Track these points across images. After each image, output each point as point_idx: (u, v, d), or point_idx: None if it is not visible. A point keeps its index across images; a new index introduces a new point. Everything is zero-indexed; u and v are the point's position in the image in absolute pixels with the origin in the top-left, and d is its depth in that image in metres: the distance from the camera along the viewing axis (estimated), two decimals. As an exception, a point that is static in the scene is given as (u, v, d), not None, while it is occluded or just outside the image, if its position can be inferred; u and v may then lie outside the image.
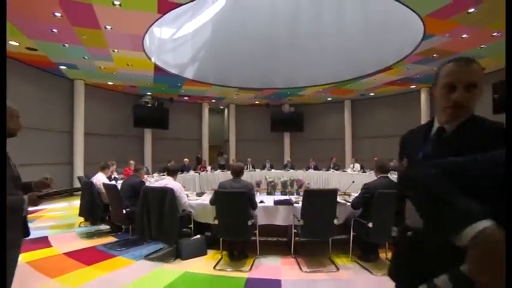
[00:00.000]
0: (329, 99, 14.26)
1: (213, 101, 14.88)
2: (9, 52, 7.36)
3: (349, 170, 10.77)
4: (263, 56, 9.19)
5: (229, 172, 10.43)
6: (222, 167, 12.64)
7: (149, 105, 13.05)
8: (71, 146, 10.13)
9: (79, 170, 9.96)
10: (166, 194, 3.72)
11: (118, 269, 3.57)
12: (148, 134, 13.47)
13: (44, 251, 4.20)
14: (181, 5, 5.34)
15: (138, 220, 3.88)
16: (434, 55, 7.80)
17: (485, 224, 0.66)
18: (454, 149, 0.99)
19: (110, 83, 10.95)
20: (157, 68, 9.01)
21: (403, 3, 5.22)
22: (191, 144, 14.81)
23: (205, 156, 14.48)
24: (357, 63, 9.45)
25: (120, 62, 8.42)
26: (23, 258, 3.80)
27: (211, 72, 10.34)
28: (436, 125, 1.14)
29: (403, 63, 8.52)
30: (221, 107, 17.31)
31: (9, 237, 1.66)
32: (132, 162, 7.98)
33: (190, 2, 5.21)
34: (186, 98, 13.86)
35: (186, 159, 11.07)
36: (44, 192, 1.96)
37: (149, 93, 12.86)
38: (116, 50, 7.51)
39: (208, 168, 11.29)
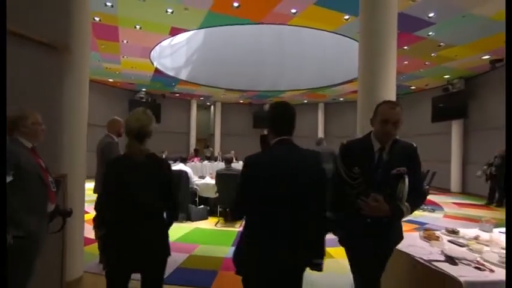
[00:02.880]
0: (305, 101, 16.06)
1: (201, 98, 16.29)
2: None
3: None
4: (249, 61, 10.71)
5: (215, 163, 11.90)
6: (208, 159, 14.13)
7: (144, 100, 14.26)
8: (74, 135, 11.27)
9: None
10: (182, 174, 5.31)
11: (147, 226, 5.13)
12: (141, 126, 14.64)
13: (89, 215, 5.60)
14: (188, 30, 6.83)
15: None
16: (388, 73, 9.71)
17: None
18: (392, 160, 1.62)
19: (111, 80, 12.12)
20: (156, 70, 10.32)
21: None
22: (180, 137, 16.20)
23: (192, 148, 15.90)
24: (329, 74, 11.27)
25: (126, 65, 9.71)
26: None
27: (202, 74, 11.76)
28: (377, 144, 1.68)
29: (364, 78, 10.38)
30: (208, 104, 18.72)
31: None
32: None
33: (197, 29, 6.71)
34: (177, 94, 15.20)
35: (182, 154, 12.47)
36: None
37: (144, 89, 14.09)
38: (125, 56, 8.82)
39: (197, 159, 12.80)
